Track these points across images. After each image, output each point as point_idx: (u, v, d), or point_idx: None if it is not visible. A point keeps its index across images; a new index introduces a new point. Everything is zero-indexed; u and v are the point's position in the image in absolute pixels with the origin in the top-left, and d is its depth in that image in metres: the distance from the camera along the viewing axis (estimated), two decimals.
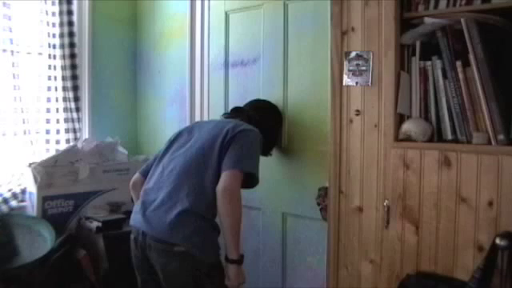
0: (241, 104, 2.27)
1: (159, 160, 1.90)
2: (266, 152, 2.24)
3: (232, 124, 1.84)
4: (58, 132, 2.71)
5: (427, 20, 1.59)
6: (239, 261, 1.70)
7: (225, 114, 2.20)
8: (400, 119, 1.67)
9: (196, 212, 1.69)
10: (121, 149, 2.76)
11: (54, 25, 2.65)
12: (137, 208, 1.82)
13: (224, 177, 1.68)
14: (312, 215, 2.15)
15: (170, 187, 1.75)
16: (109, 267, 2.27)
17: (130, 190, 1.97)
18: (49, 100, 2.67)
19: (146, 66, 3.04)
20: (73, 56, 2.70)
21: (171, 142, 1.93)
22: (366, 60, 1.72)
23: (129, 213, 2.25)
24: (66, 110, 2.71)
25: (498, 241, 1.38)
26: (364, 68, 1.72)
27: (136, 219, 1.79)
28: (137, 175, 1.98)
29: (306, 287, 2.26)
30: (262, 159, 2.31)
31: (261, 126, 1.99)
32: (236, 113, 2.13)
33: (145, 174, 1.93)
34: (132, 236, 1.82)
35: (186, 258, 1.66)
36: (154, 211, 1.73)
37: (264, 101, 2.31)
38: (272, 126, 2.25)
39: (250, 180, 1.79)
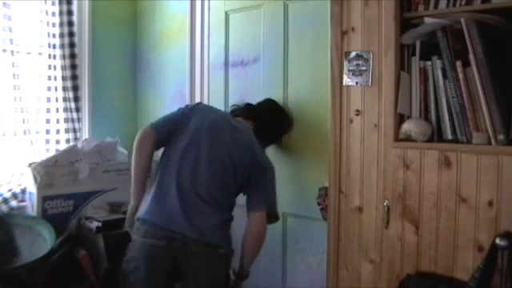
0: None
1: (184, 144, 1.87)
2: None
3: (258, 150, 1.96)
4: (58, 132, 2.70)
5: (427, 20, 1.59)
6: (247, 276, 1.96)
7: (235, 109, 2.18)
8: (400, 119, 1.67)
9: (227, 220, 1.91)
10: (121, 149, 2.75)
11: (53, 25, 2.65)
12: (171, 207, 1.80)
13: (256, 219, 1.88)
14: (312, 215, 2.15)
15: (207, 195, 1.84)
16: (109, 267, 2.27)
17: (137, 143, 1.88)
18: (49, 100, 2.67)
19: (145, 65, 3.04)
20: (73, 56, 2.70)
21: (187, 125, 1.91)
22: (366, 60, 1.72)
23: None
24: (66, 110, 2.71)
25: (498, 241, 1.38)
26: (364, 68, 1.72)
27: (172, 220, 1.79)
28: (150, 130, 1.89)
29: (306, 287, 2.26)
30: None
31: (266, 132, 2.10)
32: (251, 116, 2.10)
33: (160, 133, 1.89)
34: (153, 239, 1.78)
35: (227, 260, 1.88)
36: (197, 215, 1.81)
37: (274, 103, 2.26)
38: (277, 129, 2.23)
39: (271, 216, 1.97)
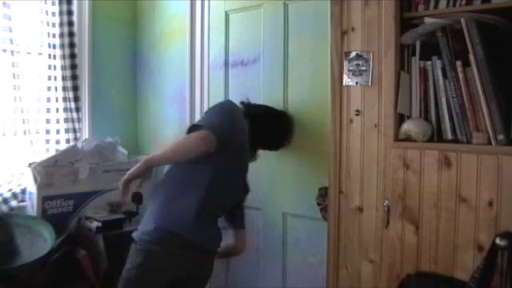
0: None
1: None
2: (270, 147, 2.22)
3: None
4: (58, 132, 2.70)
5: (427, 20, 1.59)
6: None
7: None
8: (400, 119, 1.67)
9: None
10: (121, 149, 2.75)
11: (53, 25, 2.64)
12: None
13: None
14: (312, 215, 2.15)
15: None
16: (109, 267, 2.27)
17: (199, 143, 1.70)
18: (49, 100, 2.67)
19: (145, 65, 3.04)
20: (73, 56, 2.69)
21: None
22: (366, 60, 1.72)
23: (129, 213, 2.27)
24: (66, 110, 2.71)
25: (498, 241, 1.38)
26: (364, 68, 1.72)
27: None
28: (211, 135, 1.70)
29: (306, 287, 2.26)
30: (263, 160, 2.32)
31: (261, 135, 2.04)
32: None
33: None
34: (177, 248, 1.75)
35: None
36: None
37: (275, 111, 2.22)
38: (272, 139, 2.18)
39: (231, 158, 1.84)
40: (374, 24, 1.70)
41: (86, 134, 2.83)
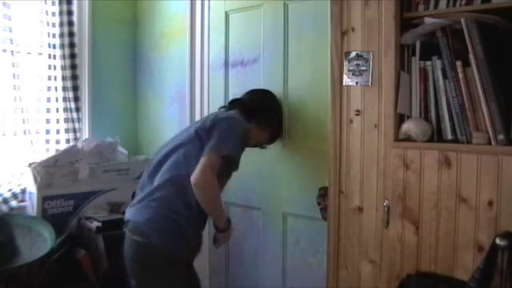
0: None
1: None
2: (273, 139, 2.25)
3: (214, 114, 1.94)
4: (58, 132, 2.71)
5: (427, 20, 1.59)
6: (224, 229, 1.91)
7: (223, 107, 2.21)
8: (400, 119, 1.67)
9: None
10: (121, 149, 2.76)
11: (53, 25, 2.65)
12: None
13: (202, 161, 1.77)
14: (312, 215, 2.15)
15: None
16: (109, 267, 2.27)
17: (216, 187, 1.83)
18: (49, 100, 2.67)
19: (145, 66, 3.04)
20: (73, 56, 2.70)
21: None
22: (366, 60, 1.72)
23: None
24: (66, 110, 2.71)
25: (498, 241, 1.38)
26: (364, 68, 1.72)
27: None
28: (218, 163, 1.83)
29: (306, 287, 2.26)
30: (263, 160, 2.32)
31: (259, 112, 2.08)
32: (233, 104, 2.14)
33: None
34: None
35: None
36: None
37: (261, 90, 2.30)
38: (271, 110, 2.22)
39: (230, 165, 1.88)
40: (374, 24, 1.70)
41: (86, 134, 2.83)
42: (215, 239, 1.94)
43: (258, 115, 2.09)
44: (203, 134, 1.86)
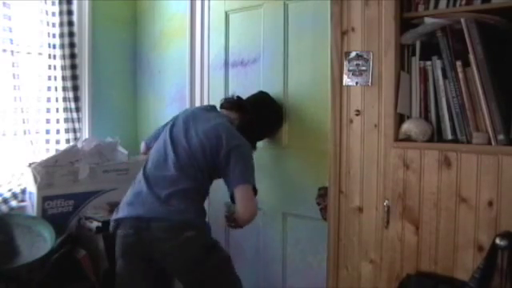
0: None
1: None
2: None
3: (225, 133, 1.92)
4: (58, 132, 2.70)
5: (427, 20, 1.59)
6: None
7: (224, 102, 2.20)
8: (400, 119, 1.67)
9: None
10: (121, 149, 2.75)
11: (53, 25, 2.65)
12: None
13: (239, 192, 1.84)
14: (312, 215, 2.15)
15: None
16: (109, 267, 2.27)
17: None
18: (49, 100, 2.67)
19: (145, 65, 3.04)
20: (73, 56, 2.70)
21: (170, 132, 2.05)
22: (366, 60, 1.72)
23: None
24: (66, 110, 2.71)
25: (498, 241, 1.38)
26: (364, 68, 1.72)
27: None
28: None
29: (306, 287, 2.26)
30: (263, 160, 2.32)
31: (252, 126, 2.10)
32: (234, 106, 2.14)
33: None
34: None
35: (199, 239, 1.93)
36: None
37: (265, 97, 2.29)
38: (265, 126, 2.25)
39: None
40: (374, 24, 1.70)
41: (85, 134, 2.83)
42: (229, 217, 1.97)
43: (250, 124, 2.11)
44: (218, 156, 1.89)
